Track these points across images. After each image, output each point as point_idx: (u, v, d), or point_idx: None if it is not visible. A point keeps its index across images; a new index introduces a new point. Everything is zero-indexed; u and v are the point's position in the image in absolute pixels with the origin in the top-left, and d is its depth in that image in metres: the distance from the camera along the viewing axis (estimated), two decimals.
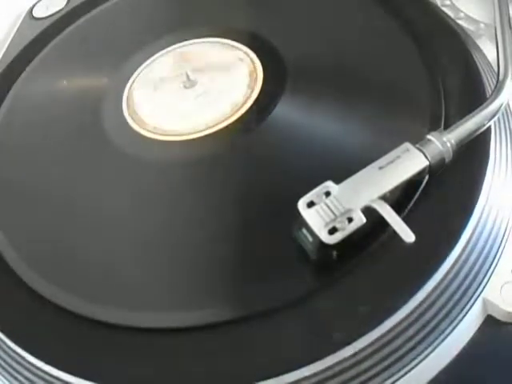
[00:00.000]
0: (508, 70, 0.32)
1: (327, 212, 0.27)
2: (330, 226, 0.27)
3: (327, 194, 0.27)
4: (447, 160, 0.29)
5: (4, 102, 0.42)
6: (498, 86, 0.31)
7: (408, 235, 0.26)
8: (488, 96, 0.32)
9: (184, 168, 0.34)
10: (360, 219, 0.27)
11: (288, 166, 0.33)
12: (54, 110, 0.40)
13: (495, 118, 0.31)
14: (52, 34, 0.46)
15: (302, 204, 0.27)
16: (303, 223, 0.27)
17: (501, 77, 0.32)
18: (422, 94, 0.34)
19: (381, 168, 0.28)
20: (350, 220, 0.27)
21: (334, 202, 0.27)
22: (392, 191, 0.28)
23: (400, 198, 0.29)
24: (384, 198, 0.27)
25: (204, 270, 0.30)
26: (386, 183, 0.28)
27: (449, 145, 0.29)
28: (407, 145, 0.29)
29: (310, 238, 0.27)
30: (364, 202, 0.27)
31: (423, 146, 0.29)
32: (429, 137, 0.29)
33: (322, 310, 0.27)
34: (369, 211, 0.27)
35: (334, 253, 0.28)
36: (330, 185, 0.28)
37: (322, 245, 0.27)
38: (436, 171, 0.29)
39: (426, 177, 0.30)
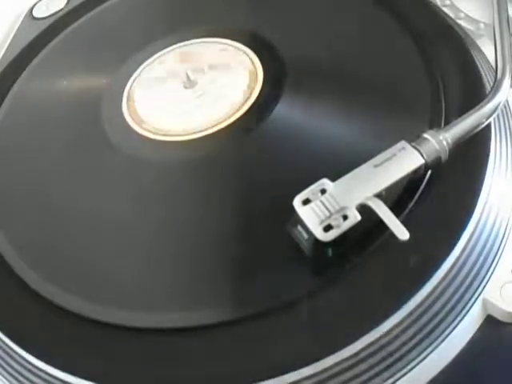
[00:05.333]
0: (506, 69, 0.32)
1: (322, 209, 0.27)
2: (325, 224, 0.26)
3: (323, 191, 0.27)
4: (443, 158, 0.29)
5: (4, 101, 0.42)
6: (496, 85, 0.31)
7: (402, 233, 0.26)
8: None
9: (183, 168, 0.34)
10: (355, 217, 0.27)
11: (287, 166, 0.33)
12: (54, 110, 0.40)
13: (492, 117, 0.31)
14: (52, 34, 0.46)
15: (297, 201, 0.27)
16: (298, 220, 0.27)
17: (498, 76, 0.32)
18: (422, 94, 0.34)
19: (376, 166, 0.28)
20: (345, 218, 0.27)
21: (330, 199, 0.27)
22: (387, 189, 0.28)
23: (400, 198, 0.29)
24: (379, 195, 0.27)
25: (203, 270, 0.30)
26: (381, 181, 0.28)
27: (445, 143, 0.29)
28: (403, 143, 0.29)
29: (305, 236, 0.27)
30: (359, 200, 0.27)
31: (419, 145, 0.29)
32: (425, 135, 0.29)
33: (322, 309, 0.27)
34: (365, 209, 0.27)
35: (330, 250, 0.28)
36: (325, 182, 0.28)
37: (316, 242, 0.27)
38: (432, 169, 0.29)
39: (426, 176, 0.30)
